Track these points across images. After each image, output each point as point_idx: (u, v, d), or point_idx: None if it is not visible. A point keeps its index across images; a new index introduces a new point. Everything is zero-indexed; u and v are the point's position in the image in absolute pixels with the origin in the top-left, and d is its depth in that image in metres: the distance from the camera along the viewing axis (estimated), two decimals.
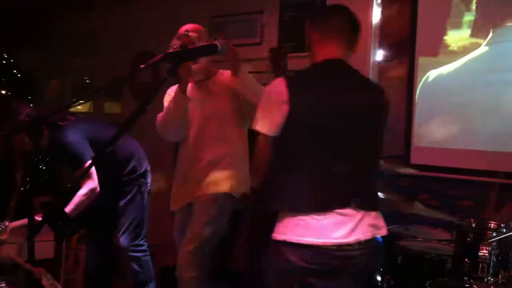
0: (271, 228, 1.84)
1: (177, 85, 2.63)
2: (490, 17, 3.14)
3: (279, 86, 1.78)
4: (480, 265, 2.28)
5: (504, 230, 2.30)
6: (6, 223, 2.79)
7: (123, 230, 3.09)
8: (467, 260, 2.32)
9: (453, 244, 2.53)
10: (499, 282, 2.27)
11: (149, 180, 3.21)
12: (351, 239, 1.74)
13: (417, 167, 3.23)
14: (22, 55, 5.29)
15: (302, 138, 1.78)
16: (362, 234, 1.76)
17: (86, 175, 2.73)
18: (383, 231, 1.86)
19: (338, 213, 1.75)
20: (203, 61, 2.65)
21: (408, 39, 3.42)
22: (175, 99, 2.58)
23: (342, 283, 1.79)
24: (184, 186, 2.72)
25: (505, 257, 2.31)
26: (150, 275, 3.19)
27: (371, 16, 3.50)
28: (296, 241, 1.73)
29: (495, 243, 2.27)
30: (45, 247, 2.77)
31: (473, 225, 2.39)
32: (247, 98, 2.52)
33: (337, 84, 1.84)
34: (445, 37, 3.30)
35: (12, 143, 2.90)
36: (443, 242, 2.72)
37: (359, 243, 1.75)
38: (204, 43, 2.34)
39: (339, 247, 1.73)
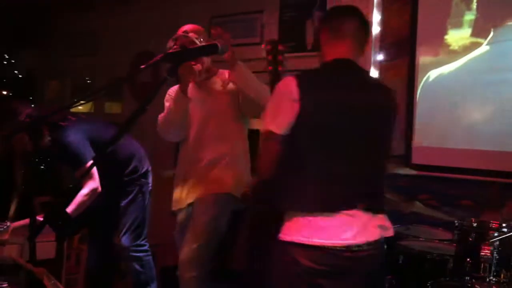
0: (271, 228, 1.84)
1: (177, 86, 2.63)
2: (491, 17, 3.14)
3: (290, 84, 1.77)
4: (482, 265, 2.28)
5: (506, 230, 2.30)
6: (8, 223, 2.79)
7: (124, 230, 3.09)
8: (469, 260, 2.32)
9: (454, 244, 2.53)
10: (501, 282, 2.27)
11: (150, 180, 3.21)
12: (360, 239, 1.74)
13: (418, 167, 3.23)
14: (22, 55, 5.29)
15: (311, 138, 1.77)
16: (370, 234, 1.76)
17: (88, 175, 2.73)
18: (390, 232, 1.86)
19: (347, 214, 1.74)
20: (204, 61, 2.65)
21: (409, 39, 3.42)
22: (175, 100, 2.58)
23: (350, 283, 1.79)
24: (185, 186, 2.72)
25: (506, 257, 2.31)
26: (152, 275, 3.19)
27: (371, 15, 3.50)
28: (305, 242, 1.72)
29: (496, 243, 2.27)
30: (46, 247, 2.76)
31: (475, 225, 2.39)
32: (246, 93, 2.52)
33: (347, 84, 1.83)
34: (446, 37, 3.30)
35: (12, 143, 2.90)
36: (445, 242, 2.71)
37: (368, 243, 1.76)
38: (204, 43, 2.34)
39: (348, 247, 1.73)
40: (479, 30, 3.17)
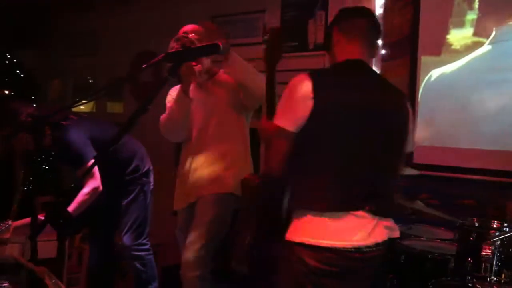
0: (278, 226, 1.84)
1: (178, 86, 2.63)
2: (493, 16, 3.13)
3: (304, 81, 1.76)
4: (483, 264, 2.27)
5: (507, 230, 2.30)
6: (9, 223, 2.79)
7: (126, 229, 3.10)
8: (470, 260, 2.31)
9: (456, 244, 2.53)
10: (502, 281, 2.26)
11: (151, 179, 3.21)
12: (370, 241, 1.74)
13: (420, 166, 3.22)
14: (22, 55, 5.28)
15: (322, 137, 1.76)
16: (379, 236, 1.77)
17: (89, 174, 2.73)
18: (397, 233, 1.87)
19: (355, 215, 1.74)
20: (205, 62, 2.64)
21: (411, 38, 3.42)
22: (177, 100, 2.58)
23: (357, 283, 1.79)
24: (187, 186, 2.72)
25: (508, 256, 2.30)
26: (153, 274, 3.20)
27: None
28: (315, 244, 1.71)
29: (498, 243, 2.26)
30: (48, 246, 2.77)
31: (476, 225, 2.39)
32: (242, 82, 2.51)
33: (359, 85, 1.82)
34: (448, 36, 3.29)
35: (14, 143, 2.90)
36: (446, 242, 2.71)
37: (377, 244, 1.76)
38: (205, 43, 2.33)
39: (358, 249, 1.73)
40: (481, 30, 3.16)
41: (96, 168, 2.77)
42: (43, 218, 2.41)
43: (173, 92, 2.73)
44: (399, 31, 3.49)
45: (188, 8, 4.44)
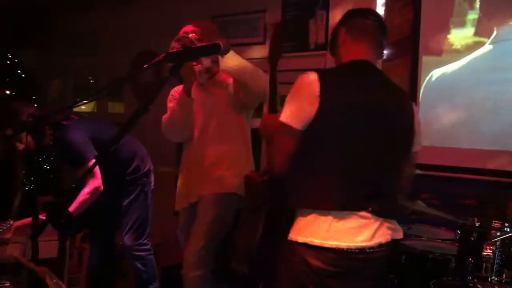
0: (281, 226, 1.83)
1: (179, 86, 2.64)
2: (494, 16, 3.13)
3: (311, 79, 1.75)
4: (484, 264, 2.28)
5: (508, 230, 2.30)
6: (10, 222, 2.79)
7: (127, 229, 3.10)
8: (471, 260, 2.32)
9: (456, 244, 2.53)
10: (503, 281, 2.27)
11: (152, 179, 3.21)
12: (373, 242, 1.74)
13: (420, 166, 3.21)
14: (22, 55, 5.28)
15: (327, 136, 1.75)
16: (383, 237, 1.77)
17: (90, 174, 2.73)
18: (400, 234, 1.86)
19: (359, 216, 1.73)
20: (204, 62, 2.64)
21: (412, 38, 3.42)
22: (179, 101, 2.59)
23: (360, 284, 1.79)
24: (188, 186, 2.73)
25: (508, 256, 2.31)
26: (154, 274, 3.19)
27: None
28: (319, 244, 1.71)
29: (499, 243, 2.27)
30: (49, 246, 2.77)
31: (477, 225, 2.39)
32: (241, 80, 2.50)
33: (365, 86, 1.82)
34: (449, 36, 3.29)
35: (14, 143, 2.90)
36: (447, 242, 2.71)
37: (381, 245, 1.76)
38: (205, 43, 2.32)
39: (362, 250, 1.73)
40: (482, 29, 3.16)
41: (97, 168, 2.77)
42: (44, 218, 2.41)
43: (175, 93, 2.74)
44: (400, 31, 3.48)
45: (188, 8, 4.44)
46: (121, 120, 3.73)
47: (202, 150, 2.68)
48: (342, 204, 1.73)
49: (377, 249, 1.75)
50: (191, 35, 2.59)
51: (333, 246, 1.70)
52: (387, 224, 1.79)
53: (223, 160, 2.66)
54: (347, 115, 1.75)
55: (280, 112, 1.83)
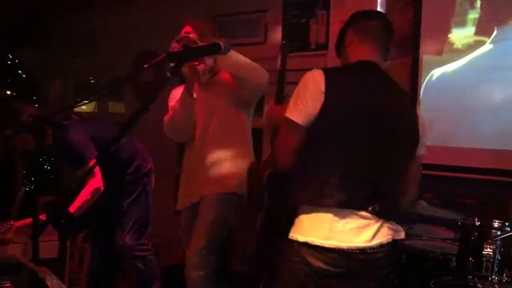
0: (282, 224, 1.83)
1: (180, 86, 2.63)
2: (495, 15, 3.13)
3: (318, 77, 1.76)
4: (484, 264, 2.27)
5: (508, 229, 2.30)
6: (11, 223, 2.79)
7: (128, 229, 3.10)
8: (471, 259, 2.31)
9: (457, 243, 2.53)
10: (503, 281, 2.26)
11: (153, 179, 3.21)
12: (374, 242, 1.74)
13: (421, 165, 3.22)
14: (22, 55, 5.28)
15: (329, 135, 1.76)
16: (384, 237, 1.77)
17: (90, 174, 2.73)
18: (402, 234, 1.86)
19: (360, 216, 1.74)
20: (207, 61, 2.64)
21: (412, 37, 3.42)
22: (181, 101, 2.59)
23: (360, 283, 1.79)
24: (190, 185, 2.72)
25: (509, 256, 2.30)
26: (155, 273, 3.20)
27: None
28: (319, 244, 1.71)
29: (499, 242, 2.26)
30: (49, 246, 2.78)
31: (477, 224, 2.39)
32: (238, 75, 2.50)
33: (370, 86, 1.83)
34: (449, 35, 3.30)
35: (15, 143, 2.90)
36: (447, 241, 2.71)
37: (381, 245, 1.76)
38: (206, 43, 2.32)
39: (362, 250, 1.73)
40: (482, 29, 3.17)
41: (97, 168, 2.77)
42: (44, 218, 2.41)
43: (176, 92, 2.73)
44: (400, 30, 3.48)
45: (188, 8, 4.44)
46: (122, 120, 3.73)
47: (203, 150, 2.68)
48: (342, 202, 1.73)
49: (378, 250, 1.75)
50: (192, 34, 2.59)
51: (334, 246, 1.71)
52: (388, 225, 1.79)
53: (225, 160, 2.65)
54: (350, 115, 1.75)
55: (287, 103, 1.84)
